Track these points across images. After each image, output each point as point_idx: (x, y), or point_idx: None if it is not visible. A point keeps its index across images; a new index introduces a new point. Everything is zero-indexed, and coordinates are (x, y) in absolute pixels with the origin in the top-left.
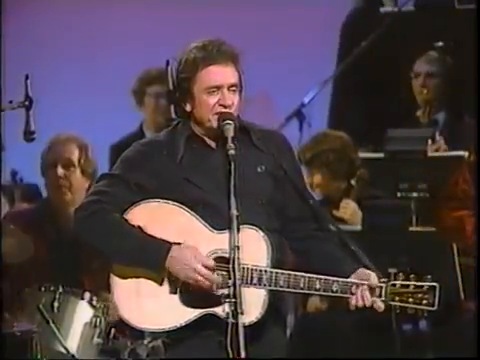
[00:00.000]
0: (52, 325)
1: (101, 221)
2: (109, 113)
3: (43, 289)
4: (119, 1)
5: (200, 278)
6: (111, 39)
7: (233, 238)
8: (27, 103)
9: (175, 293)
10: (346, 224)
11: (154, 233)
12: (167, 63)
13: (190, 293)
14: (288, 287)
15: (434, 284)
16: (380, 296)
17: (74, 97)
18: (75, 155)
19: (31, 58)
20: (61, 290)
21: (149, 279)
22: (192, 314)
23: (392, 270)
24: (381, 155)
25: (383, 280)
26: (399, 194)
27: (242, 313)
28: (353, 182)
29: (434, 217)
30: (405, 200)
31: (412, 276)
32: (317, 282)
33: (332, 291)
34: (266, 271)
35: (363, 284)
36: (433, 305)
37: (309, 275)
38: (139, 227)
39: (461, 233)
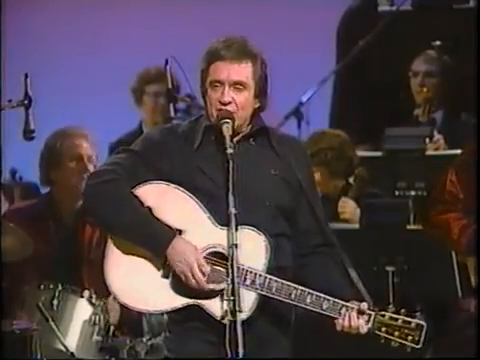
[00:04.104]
0: (51, 323)
1: (113, 190)
2: (108, 112)
3: (42, 287)
4: (118, 0)
5: (192, 280)
6: (110, 38)
7: (231, 236)
8: (26, 102)
9: (167, 278)
10: (344, 223)
11: (157, 215)
12: (166, 62)
13: (179, 281)
14: (279, 295)
15: (422, 323)
16: (367, 323)
17: (73, 96)
18: (91, 151)
19: (30, 57)
20: (60, 288)
21: (145, 258)
22: (179, 302)
23: (390, 268)
24: (379, 154)
25: (373, 309)
26: (397, 192)
27: (241, 311)
28: (351, 180)
29: (422, 219)
30: (403, 198)
31: (402, 311)
32: (308, 297)
33: (321, 308)
34: (261, 275)
35: (353, 307)
36: (418, 343)
37: (302, 288)
38: (148, 208)
39: (447, 236)
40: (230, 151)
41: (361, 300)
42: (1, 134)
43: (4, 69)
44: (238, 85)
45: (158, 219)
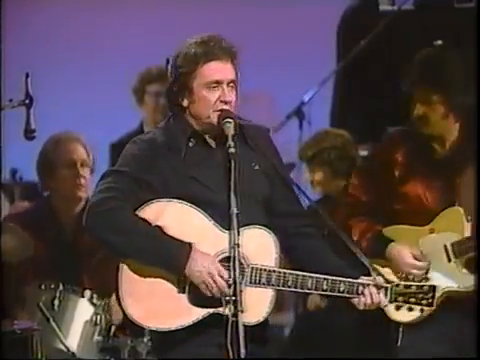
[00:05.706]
0: (52, 323)
1: (119, 218)
2: (109, 111)
3: (43, 287)
4: (118, 0)
5: (215, 288)
6: (111, 37)
7: (233, 236)
8: (27, 101)
9: (183, 293)
10: None
11: (166, 232)
12: (167, 62)
13: (197, 293)
14: (296, 287)
15: (433, 284)
16: (385, 296)
17: (74, 95)
18: (86, 154)
19: (31, 57)
20: (61, 288)
21: (161, 278)
22: (199, 314)
23: None
24: None
25: (388, 281)
26: None
27: (242, 311)
28: None
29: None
30: None
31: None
32: (324, 283)
33: (339, 291)
34: (275, 271)
35: (370, 284)
36: (432, 304)
37: (317, 276)
38: (158, 226)
39: (352, 239)
40: (232, 150)
41: (366, 272)
42: (1, 134)
43: (4, 69)
44: (232, 83)
45: (171, 237)
